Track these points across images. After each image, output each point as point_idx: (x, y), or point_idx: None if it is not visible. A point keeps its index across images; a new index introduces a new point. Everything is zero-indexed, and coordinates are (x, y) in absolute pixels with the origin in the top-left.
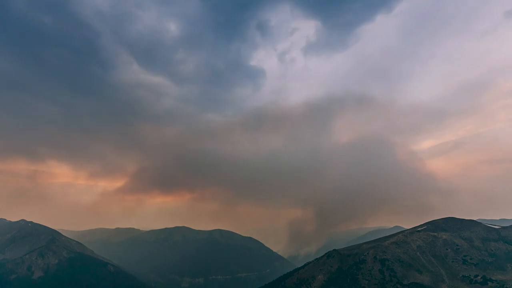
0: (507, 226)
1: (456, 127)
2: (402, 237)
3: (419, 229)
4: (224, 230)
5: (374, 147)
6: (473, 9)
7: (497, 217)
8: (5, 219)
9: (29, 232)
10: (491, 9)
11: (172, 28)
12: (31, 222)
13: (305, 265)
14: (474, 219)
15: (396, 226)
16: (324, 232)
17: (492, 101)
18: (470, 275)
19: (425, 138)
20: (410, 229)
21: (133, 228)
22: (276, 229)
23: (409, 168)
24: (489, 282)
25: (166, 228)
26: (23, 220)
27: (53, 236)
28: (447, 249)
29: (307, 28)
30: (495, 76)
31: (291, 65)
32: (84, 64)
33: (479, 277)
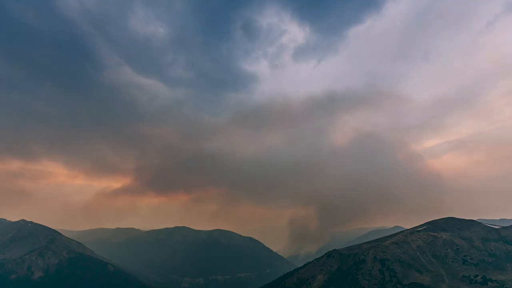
0: (507, 226)
1: (458, 126)
2: (402, 237)
3: (419, 229)
4: (224, 230)
5: (375, 147)
6: (472, 4)
7: (497, 217)
8: (5, 219)
9: (29, 232)
10: (490, 5)
11: (161, 30)
12: (31, 222)
13: (305, 265)
14: (474, 219)
15: (396, 226)
16: (326, 230)
17: (494, 99)
18: (470, 275)
19: (426, 137)
20: (410, 229)
21: (133, 228)
22: (276, 229)
23: (411, 167)
24: (489, 282)
25: (166, 228)
26: (23, 220)
27: (53, 236)
28: (447, 249)
29: (296, 30)
30: (497, 74)
31: (282, 66)
32: (76, 64)
33: (479, 277)
